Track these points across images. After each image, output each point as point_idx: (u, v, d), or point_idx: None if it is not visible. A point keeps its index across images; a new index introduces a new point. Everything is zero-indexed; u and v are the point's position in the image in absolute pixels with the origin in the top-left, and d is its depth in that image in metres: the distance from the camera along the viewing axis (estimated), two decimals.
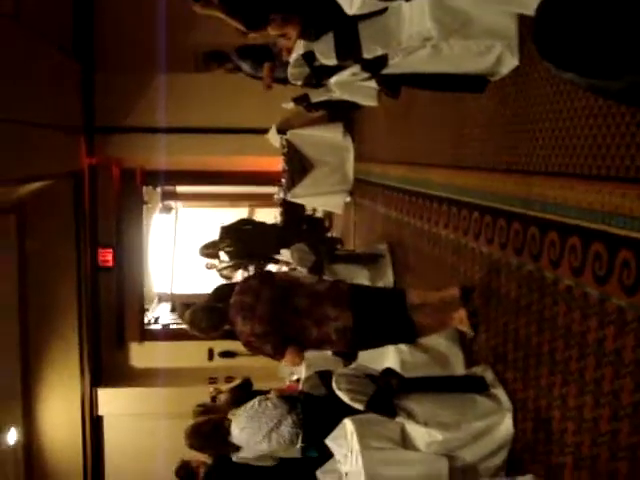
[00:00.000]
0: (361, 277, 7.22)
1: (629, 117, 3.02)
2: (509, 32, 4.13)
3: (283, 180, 9.77)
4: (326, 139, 9.55)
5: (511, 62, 4.23)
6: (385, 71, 4.53)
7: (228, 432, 5.08)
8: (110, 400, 11.29)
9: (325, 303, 4.56)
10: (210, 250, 9.22)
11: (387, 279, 7.29)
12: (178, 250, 18.35)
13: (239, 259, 9.34)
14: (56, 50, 9.49)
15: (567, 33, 1.38)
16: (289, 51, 6.78)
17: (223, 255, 11.53)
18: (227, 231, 9.18)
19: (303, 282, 4.85)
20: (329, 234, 11.06)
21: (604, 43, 1.32)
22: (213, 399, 7.73)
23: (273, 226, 10.18)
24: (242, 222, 9.74)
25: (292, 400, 5.13)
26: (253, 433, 5.02)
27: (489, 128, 4.71)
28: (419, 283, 6.29)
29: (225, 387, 7.72)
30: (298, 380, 7.36)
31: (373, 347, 4.91)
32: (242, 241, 9.02)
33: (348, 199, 9.75)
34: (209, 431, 5.18)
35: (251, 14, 5.35)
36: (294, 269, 9.43)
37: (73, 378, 10.94)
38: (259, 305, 4.55)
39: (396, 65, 4.44)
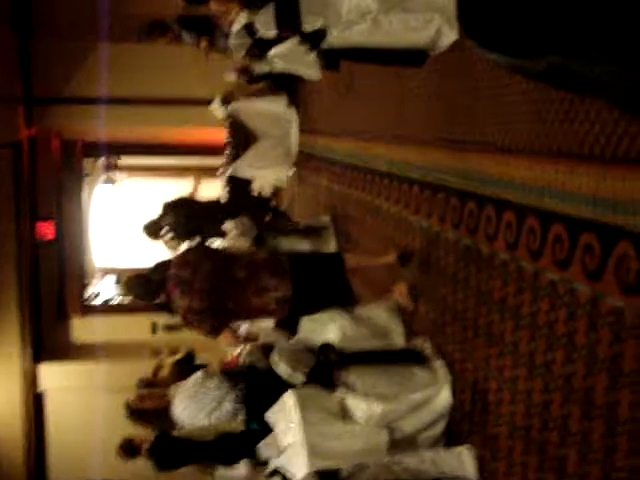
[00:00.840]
0: (304, 249, 7.21)
1: (563, 93, 3.05)
2: (447, 5, 4.12)
3: (227, 152, 9.68)
4: (270, 111, 9.46)
5: (450, 36, 4.23)
6: (325, 44, 4.50)
7: (169, 409, 5.07)
8: (52, 375, 11.13)
9: (263, 273, 4.58)
10: (152, 228, 9.09)
11: (330, 251, 7.28)
12: (122, 222, 18.13)
13: (183, 237, 9.23)
14: None
15: (491, 11, 1.37)
16: (230, 24, 6.72)
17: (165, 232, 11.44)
18: (170, 208, 9.05)
19: (242, 254, 4.85)
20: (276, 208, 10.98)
21: (526, 22, 1.32)
22: (155, 374, 7.68)
23: (217, 203, 10.04)
24: (185, 200, 9.55)
25: (235, 376, 5.12)
26: (195, 413, 5.02)
27: (429, 102, 4.72)
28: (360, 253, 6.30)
29: (168, 360, 7.67)
30: (240, 353, 7.35)
31: (313, 313, 4.94)
32: (186, 218, 8.90)
33: (292, 172, 9.71)
34: (150, 409, 5.16)
35: None
36: None
37: (13, 354, 10.76)
38: (197, 279, 4.53)
39: (335, 38, 4.40)
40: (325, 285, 4.72)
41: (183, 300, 4.53)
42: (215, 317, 4.55)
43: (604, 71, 1.34)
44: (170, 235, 12.06)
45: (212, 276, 4.55)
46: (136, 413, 5.25)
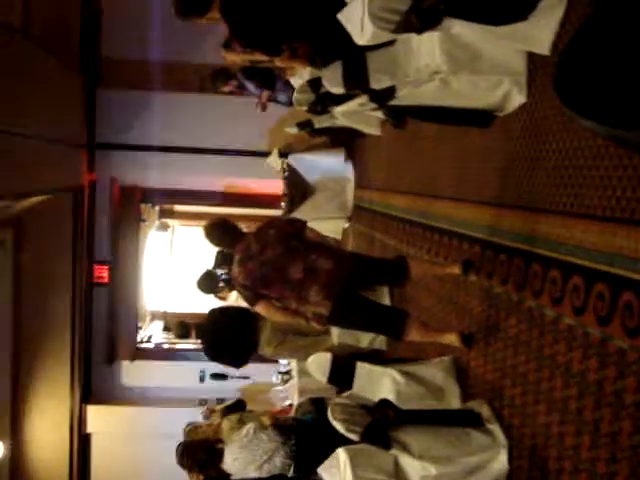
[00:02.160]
0: None
1: (636, 159, 3.03)
2: (518, 68, 4.15)
3: (283, 204, 9.77)
4: (327, 164, 9.57)
5: (518, 98, 4.25)
6: (392, 102, 4.55)
7: (221, 459, 5.06)
8: (99, 418, 11.19)
9: (315, 284, 4.63)
10: (207, 280, 9.12)
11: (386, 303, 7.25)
12: (173, 268, 18.30)
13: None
14: (62, 63, 9.49)
15: (589, 80, 1.38)
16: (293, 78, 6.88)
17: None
18: (224, 256, 9.10)
19: (315, 250, 4.84)
20: None
21: (625, 92, 1.32)
22: (206, 417, 7.70)
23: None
24: None
25: (287, 430, 5.10)
26: (246, 464, 5.01)
27: (494, 163, 4.71)
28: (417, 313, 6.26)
29: (218, 407, 7.68)
30: (291, 405, 7.33)
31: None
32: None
33: (347, 225, 9.75)
34: (203, 455, 5.16)
35: (265, 44, 5.39)
36: None
37: (63, 394, 10.84)
38: (256, 260, 4.75)
39: (404, 97, 4.45)
40: (372, 311, 4.81)
41: (237, 266, 4.81)
42: (255, 295, 4.80)
43: None
44: (222, 286, 12.17)
45: (269, 266, 4.72)
46: (188, 453, 5.24)
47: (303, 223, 5.10)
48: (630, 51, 1.30)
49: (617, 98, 1.33)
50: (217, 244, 5.27)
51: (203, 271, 9.22)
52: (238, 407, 6.70)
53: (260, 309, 4.91)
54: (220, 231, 5.07)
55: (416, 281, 5.25)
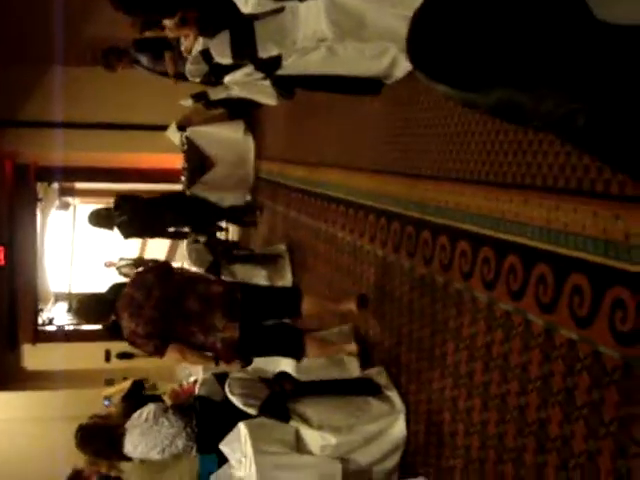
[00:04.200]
0: (259, 277, 7.16)
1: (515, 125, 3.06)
2: (403, 35, 4.11)
3: (183, 178, 9.60)
4: (227, 137, 9.44)
5: (405, 66, 4.24)
6: (280, 72, 4.48)
7: (122, 445, 4.95)
8: (1, 404, 10.88)
9: (216, 311, 4.51)
10: (102, 218, 8.84)
11: (286, 280, 7.25)
12: (77, 247, 17.89)
13: (132, 230, 9.05)
14: None
15: (439, 42, 1.35)
16: (189, 50, 6.67)
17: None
18: (123, 199, 8.85)
19: (200, 280, 4.77)
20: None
21: (475, 54, 1.30)
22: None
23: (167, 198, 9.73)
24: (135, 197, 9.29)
25: (188, 410, 5.02)
26: (148, 450, 4.93)
27: (384, 131, 4.72)
28: (316, 285, 6.27)
29: (113, 390, 7.56)
30: (195, 381, 7.24)
31: (258, 357, 4.86)
32: (137, 211, 8.71)
33: (248, 198, 9.66)
34: (102, 443, 5.03)
35: (147, 13, 5.21)
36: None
37: None
38: (148, 305, 4.46)
39: (290, 66, 4.39)
40: (275, 340, 4.70)
41: (130, 322, 4.46)
42: (159, 339, 4.48)
43: (555, 106, 1.32)
44: (124, 262, 11.92)
45: (163, 305, 4.47)
46: (87, 441, 5.10)
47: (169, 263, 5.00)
48: (474, 11, 1.27)
49: (466, 60, 1.30)
50: (95, 319, 4.96)
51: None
52: (136, 390, 6.57)
53: (172, 354, 4.58)
54: (93, 305, 4.80)
55: (308, 317, 5.10)
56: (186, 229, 9.63)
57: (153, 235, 10.39)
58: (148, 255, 16.16)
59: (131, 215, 8.57)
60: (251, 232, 9.83)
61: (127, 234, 8.91)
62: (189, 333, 4.50)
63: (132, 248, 16.98)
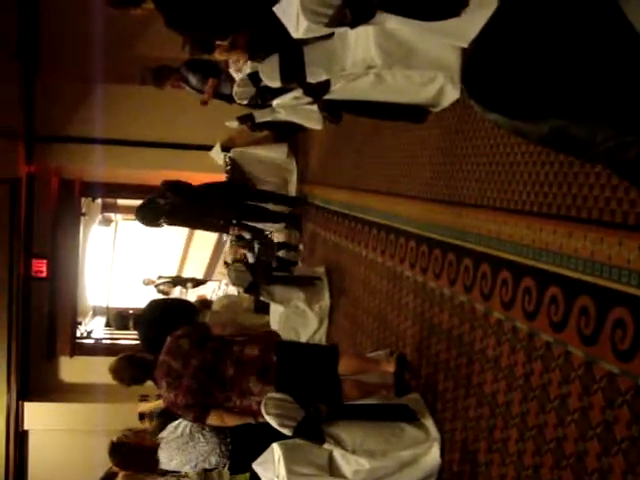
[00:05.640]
0: (297, 300, 7.20)
1: (563, 156, 3.07)
2: (451, 64, 4.17)
3: None
4: (270, 159, 9.52)
5: (452, 94, 4.27)
6: (327, 96, 4.54)
7: (157, 459, 5.00)
8: (37, 414, 11.00)
9: (251, 374, 4.58)
10: (148, 209, 8.74)
11: (324, 302, 7.27)
12: (116, 262, 18.11)
13: (176, 219, 9.00)
14: None
15: (495, 72, 1.38)
16: (236, 71, 6.80)
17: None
18: (168, 187, 8.75)
19: (235, 342, 4.80)
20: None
21: (529, 85, 1.33)
22: (141, 417, 7.62)
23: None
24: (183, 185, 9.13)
25: (223, 429, 5.05)
26: (181, 465, 4.99)
27: (428, 158, 4.74)
28: (354, 309, 6.28)
29: (149, 406, 7.61)
30: None
31: None
32: (184, 200, 8.58)
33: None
34: (136, 457, 5.09)
35: (201, 37, 5.32)
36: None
37: None
38: (186, 374, 4.56)
39: (338, 91, 4.44)
40: (312, 393, 4.66)
41: (169, 393, 4.60)
42: (198, 408, 4.61)
43: (605, 137, 1.34)
44: (162, 280, 12.02)
45: (201, 374, 4.57)
46: (120, 453, 5.15)
47: (205, 325, 5.00)
48: (529, 44, 1.30)
49: (519, 90, 1.33)
50: (131, 381, 4.99)
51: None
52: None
53: (214, 420, 4.70)
54: (129, 368, 4.90)
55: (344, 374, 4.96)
56: (247, 235, 9.51)
57: (198, 226, 10.23)
58: (186, 272, 16.32)
59: (179, 203, 8.48)
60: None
61: (171, 222, 8.82)
62: (225, 398, 4.60)
63: (170, 265, 17.18)
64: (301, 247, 8.88)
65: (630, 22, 1.30)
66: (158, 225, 8.57)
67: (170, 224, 8.82)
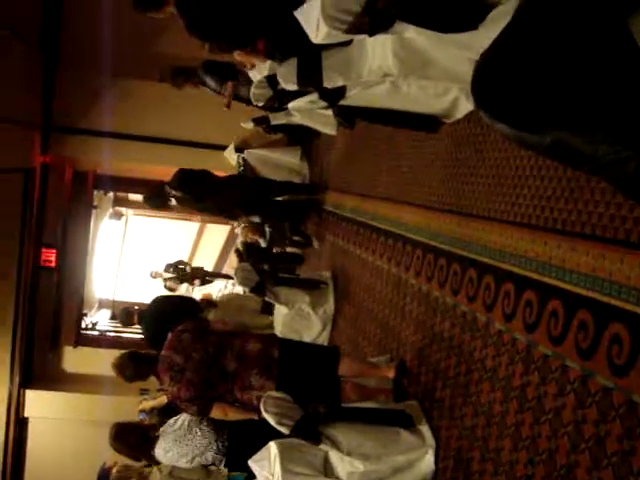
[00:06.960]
0: (302, 302, 7.25)
1: (570, 172, 3.12)
2: (466, 77, 4.17)
3: None
4: (283, 162, 9.57)
5: (466, 106, 4.32)
6: (343, 102, 4.59)
7: (153, 446, 5.06)
8: (38, 402, 11.07)
9: (252, 369, 4.66)
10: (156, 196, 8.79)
11: (328, 307, 7.32)
12: (125, 257, 18.19)
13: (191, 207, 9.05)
14: (20, 41, 9.36)
15: (503, 83, 1.43)
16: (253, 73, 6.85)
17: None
18: (185, 176, 8.73)
19: (236, 336, 4.88)
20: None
21: (534, 96, 1.37)
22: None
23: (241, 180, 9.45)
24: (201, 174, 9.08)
25: (220, 424, 5.10)
26: (178, 457, 5.05)
27: (438, 169, 4.79)
28: (358, 314, 6.33)
29: (151, 404, 7.67)
30: None
31: None
32: (199, 190, 8.60)
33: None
34: (136, 439, 5.16)
35: (220, 42, 5.38)
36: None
37: (1, 378, 10.70)
38: (188, 368, 4.64)
39: (354, 97, 4.49)
40: (312, 391, 4.75)
41: (172, 387, 4.69)
42: (201, 401, 4.69)
43: (608, 151, 1.39)
44: (170, 275, 12.06)
45: (203, 367, 4.66)
46: (122, 435, 5.22)
47: (207, 320, 5.07)
48: (536, 57, 1.35)
49: (525, 102, 1.38)
50: (134, 377, 5.05)
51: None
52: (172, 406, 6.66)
53: (217, 414, 4.79)
54: (132, 364, 4.97)
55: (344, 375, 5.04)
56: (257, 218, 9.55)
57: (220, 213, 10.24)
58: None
59: (197, 193, 8.54)
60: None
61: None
62: (227, 390, 4.69)
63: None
64: (316, 245, 8.89)
65: (635, 41, 1.35)
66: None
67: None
